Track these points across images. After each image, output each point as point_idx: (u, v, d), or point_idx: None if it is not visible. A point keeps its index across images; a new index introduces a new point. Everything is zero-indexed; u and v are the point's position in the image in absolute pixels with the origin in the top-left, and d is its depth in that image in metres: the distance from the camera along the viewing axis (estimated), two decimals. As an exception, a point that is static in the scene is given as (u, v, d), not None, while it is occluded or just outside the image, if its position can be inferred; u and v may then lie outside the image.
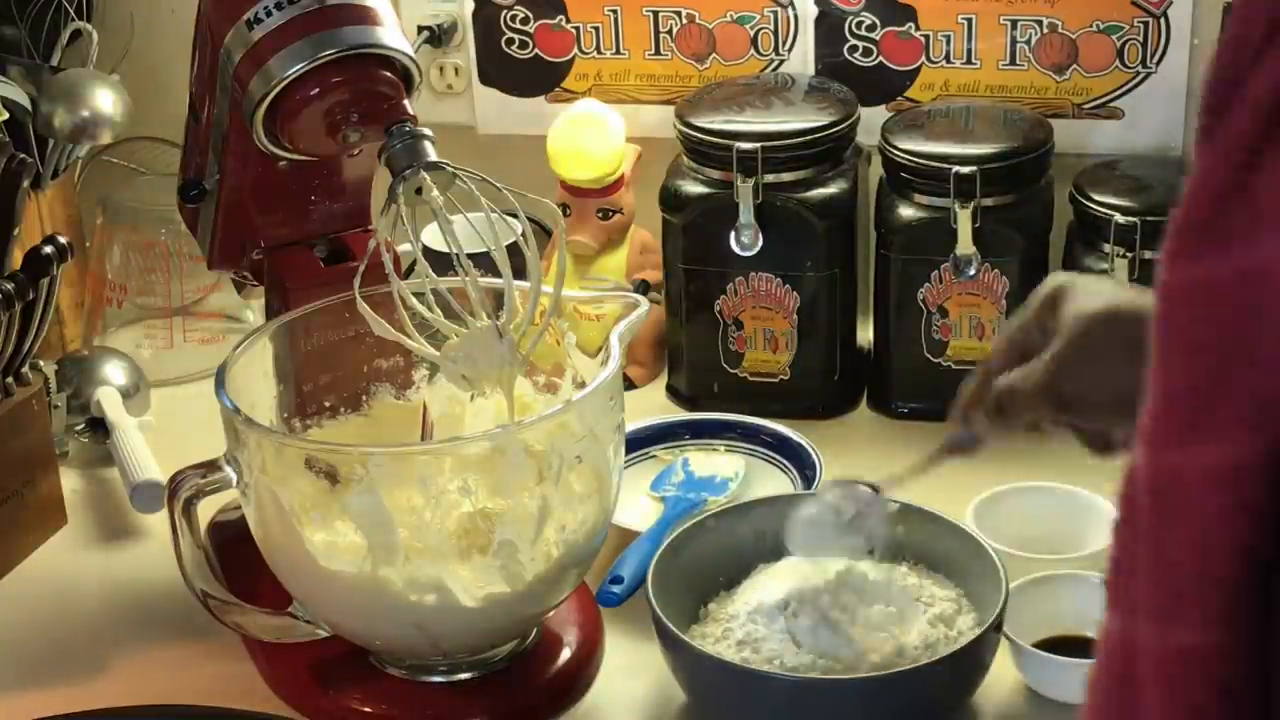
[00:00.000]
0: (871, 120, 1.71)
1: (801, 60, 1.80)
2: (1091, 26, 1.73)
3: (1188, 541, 0.63)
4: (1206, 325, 0.62)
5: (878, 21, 1.77)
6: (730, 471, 1.55)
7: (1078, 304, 1.13)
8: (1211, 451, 0.62)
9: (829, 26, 1.78)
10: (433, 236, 1.56)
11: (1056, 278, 1.17)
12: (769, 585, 1.34)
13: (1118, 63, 1.74)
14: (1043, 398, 1.14)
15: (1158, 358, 0.64)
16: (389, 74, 1.36)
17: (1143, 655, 0.64)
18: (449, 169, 1.31)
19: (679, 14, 1.81)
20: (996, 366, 1.19)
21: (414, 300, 1.31)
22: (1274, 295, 0.60)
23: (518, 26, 1.85)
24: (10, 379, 1.55)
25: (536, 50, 1.85)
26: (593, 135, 1.75)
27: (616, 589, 1.38)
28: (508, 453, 1.25)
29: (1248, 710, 0.63)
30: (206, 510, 1.36)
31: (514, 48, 1.86)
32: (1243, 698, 0.62)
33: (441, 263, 1.37)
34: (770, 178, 1.63)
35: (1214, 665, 0.62)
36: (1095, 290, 1.15)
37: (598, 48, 1.83)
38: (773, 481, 1.55)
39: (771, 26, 1.80)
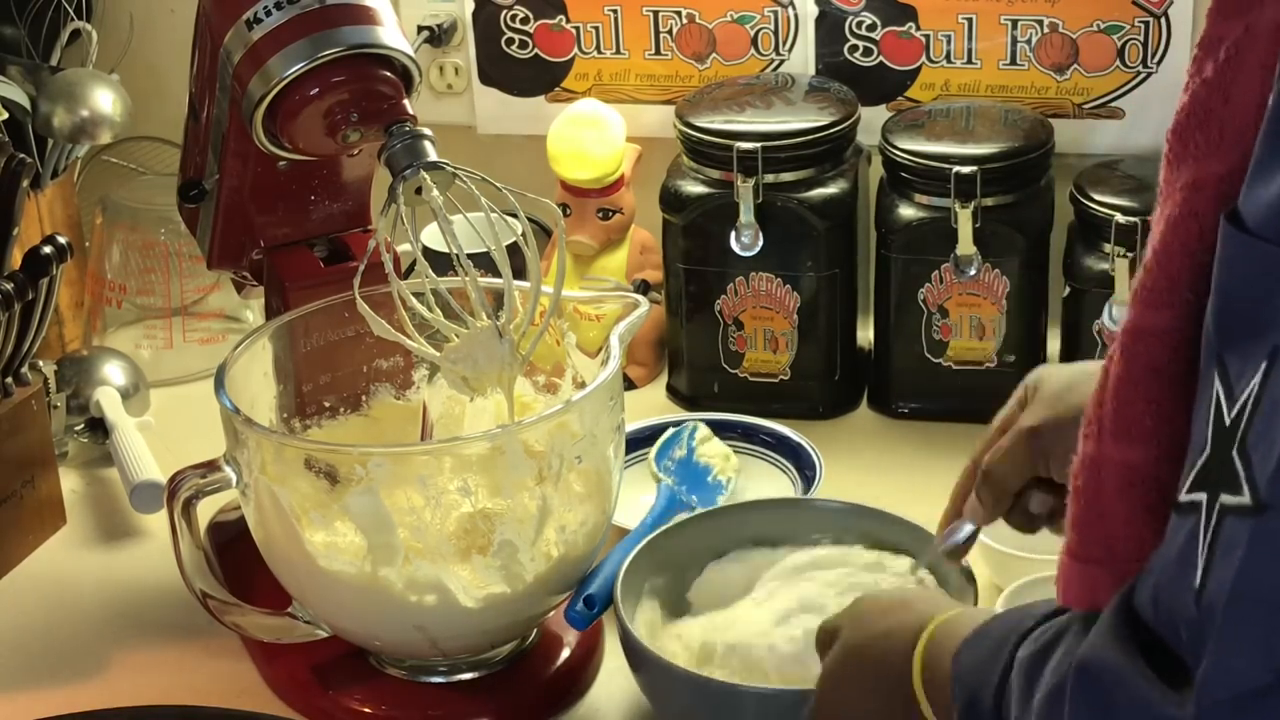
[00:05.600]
0: (872, 120, 1.71)
1: (802, 60, 1.80)
2: (1092, 26, 1.73)
3: (1137, 384, 0.83)
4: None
5: (878, 21, 1.77)
6: (730, 471, 1.53)
7: (1051, 377, 1.21)
8: (1158, 316, 0.81)
9: (829, 26, 1.78)
10: (433, 236, 1.56)
11: (1035, 371, 1.23)
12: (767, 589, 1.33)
13: (1118, 63, 1.74)
14: (1025, 459, 1.19)
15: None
16: (389, 74, 1.36)
17: (1106, 467, 0.84)
18: (449, 169, 1.31)
19: (679, 14, 1.81)
20: (982, 456, 1.23)
21: (414, 300, 1.31)
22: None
23: (518, 26, 1.85)
24: (10, 379, 1.54)
25: (536, 50, 1.85)
26: (593, 135, 1.75)
27: (586, 610, 1.32)
28: (507, 453, 1.25)
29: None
30: (206, 510, 1.36)
31: (514, 48, 1.86)
32: (1170, 494, 0.80)
33: (441, 263, 1.37)
34: (770, 178, 1.63)
35: (1151, 471, 0.82)
36: (1068, 366, 1.24)
37: (598, 48, 1.83)
38: (772, 481, 1.55)
39: (772, 26, 1.80)
